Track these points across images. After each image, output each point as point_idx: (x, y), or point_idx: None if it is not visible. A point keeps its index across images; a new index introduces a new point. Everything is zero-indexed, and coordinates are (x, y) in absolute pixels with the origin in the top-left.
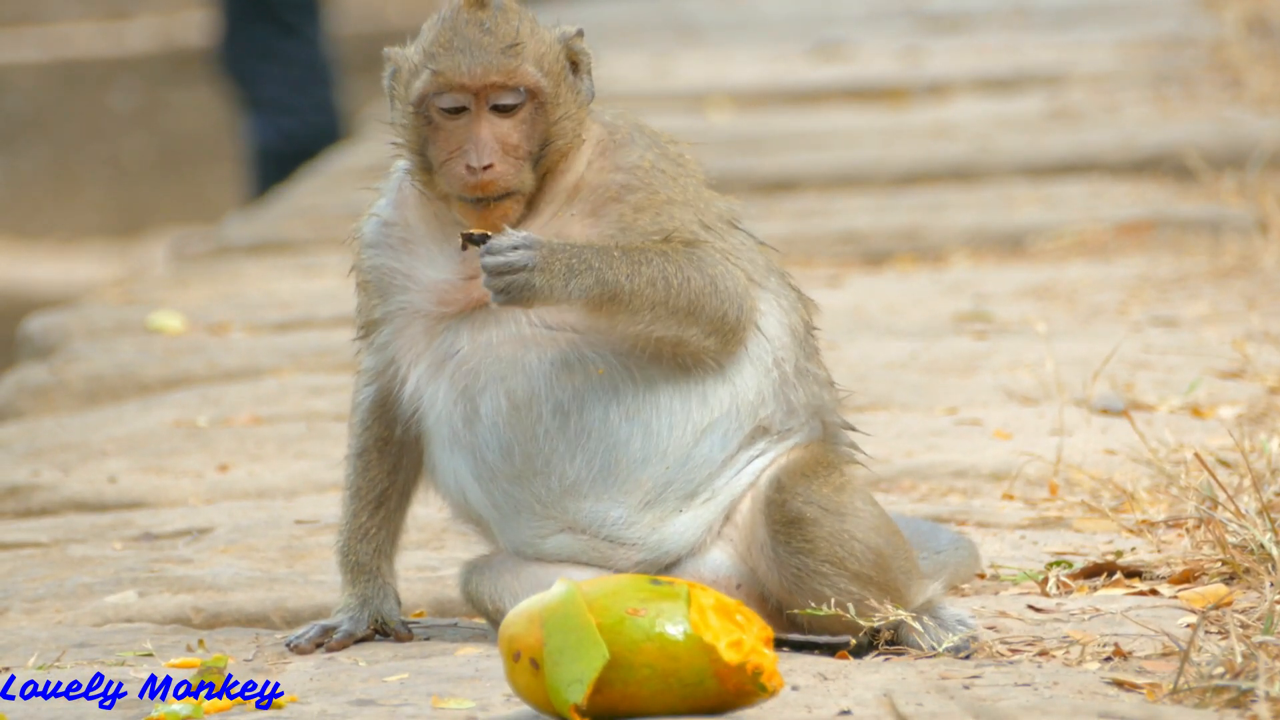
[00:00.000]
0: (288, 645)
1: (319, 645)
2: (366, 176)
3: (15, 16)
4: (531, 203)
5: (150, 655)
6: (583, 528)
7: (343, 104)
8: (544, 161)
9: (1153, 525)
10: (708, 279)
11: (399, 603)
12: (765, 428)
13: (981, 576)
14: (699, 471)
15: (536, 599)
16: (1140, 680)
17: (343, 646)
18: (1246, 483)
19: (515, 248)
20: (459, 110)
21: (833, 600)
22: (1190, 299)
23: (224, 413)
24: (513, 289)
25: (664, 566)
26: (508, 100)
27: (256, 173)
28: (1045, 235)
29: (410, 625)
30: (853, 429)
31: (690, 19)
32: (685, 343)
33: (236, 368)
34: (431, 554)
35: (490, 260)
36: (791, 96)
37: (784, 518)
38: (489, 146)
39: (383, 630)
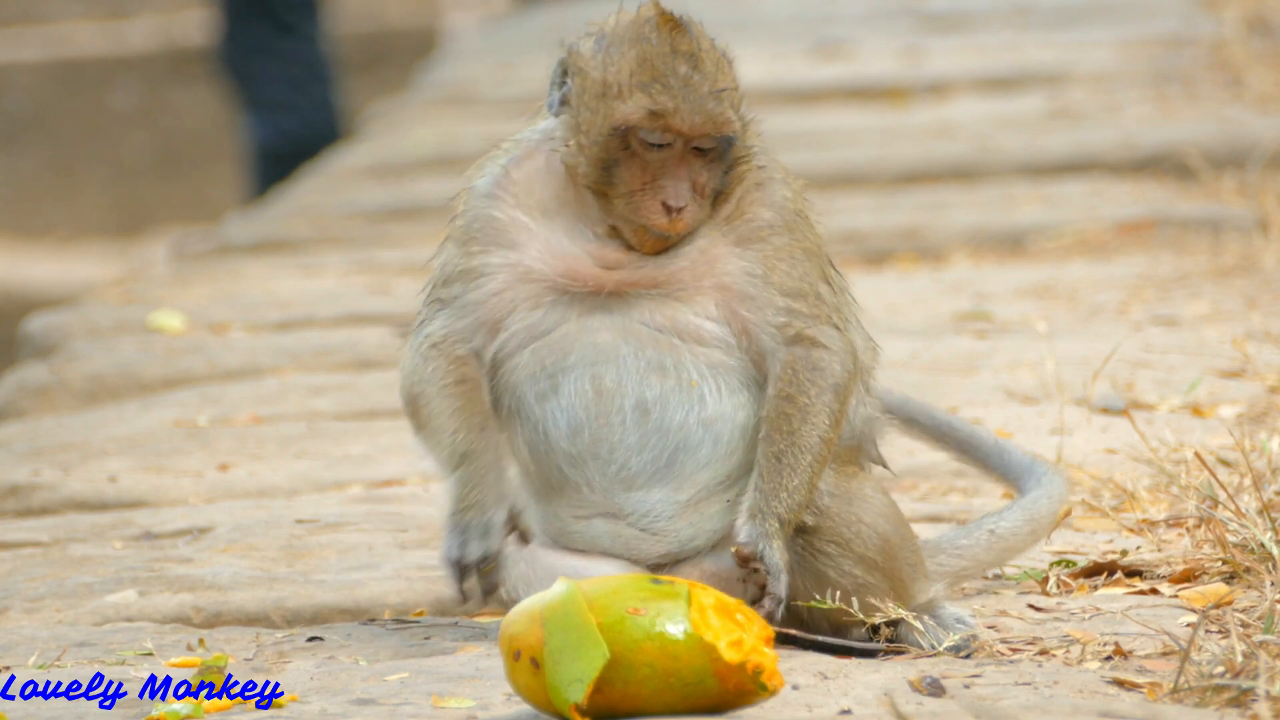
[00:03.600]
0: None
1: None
2: (368, 175)
3: (15, 16)
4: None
5: (150, 655)
6: (622, 515)
7: (342, 103)
8: (719, 198)
9: (1153, 524)
10: (841, 401)
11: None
12: None
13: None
14: (747, 471)
15: (537, 598)
16: (1141, 679)
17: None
18: (1247, 482)
19: (775, 562)
20: (660, 147)
21: (836, 597)
22: (1191, 298)
23: (224, 412)
24: (776, 592)
25: (682, 559)
26: (708, 144)
27: (256, 172)
28: (1046, 234)
29: (411, 623)
30: (884, 465)
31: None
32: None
33: (237, 367)
34: (432, 553)
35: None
36: (792, 96)
37: None
38: (687, 190)
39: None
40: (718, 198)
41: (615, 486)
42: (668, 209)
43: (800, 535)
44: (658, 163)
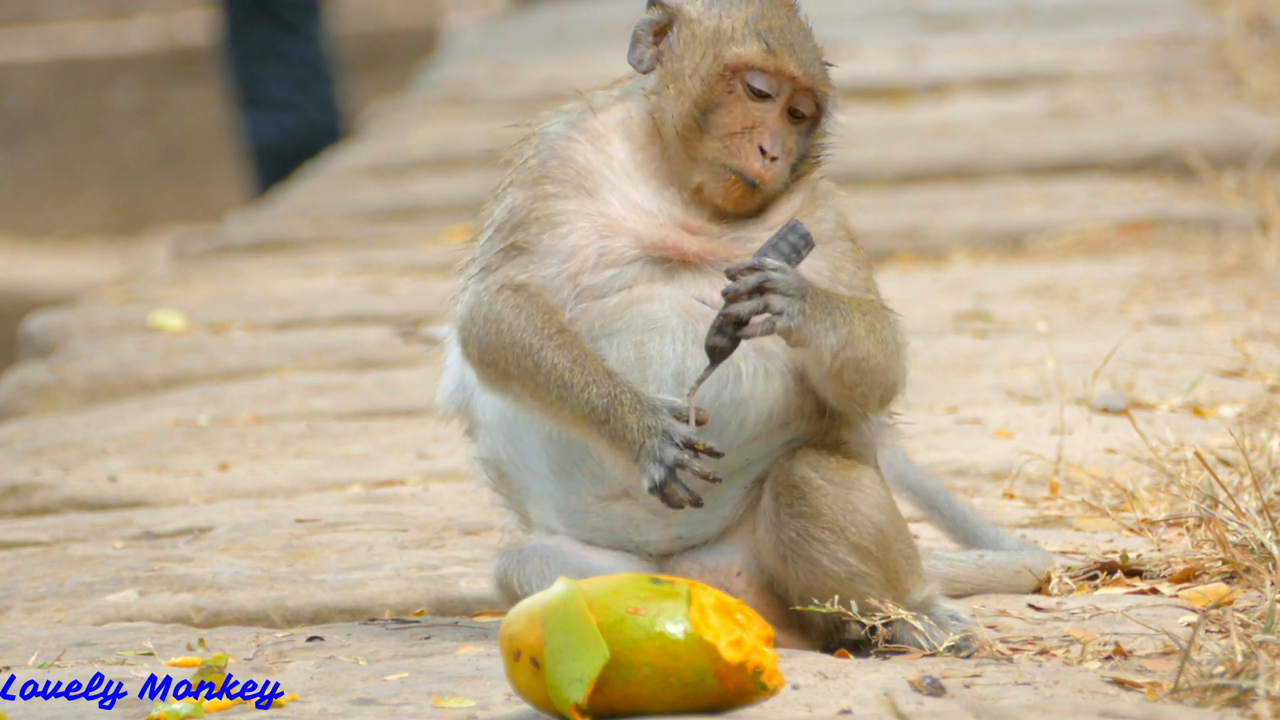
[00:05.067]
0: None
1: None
2: (368, 175)
3: (16, 16)
4: (759, 212)
5: (150, 654)
6: (639, 493)
7: (344, 102)
8: (794, 173)
9: (1153, 524)
10: (899, 345)
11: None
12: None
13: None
14: (766, 462)
15: (536, 598)
16: (1141, 679)
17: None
18: (1247, 481)
19: (799, 284)
20: (764, 96)
21: (832, 592)
22: (1191, 298)
23: (224, 411)
24: (789, 314)
25: (688, 546)
26: (805, 109)
27: (258, 171)
28: (1046, 234)
29: (411, 623)
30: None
31: None
32: (866, 401)
33: (237, 366)
34: (432, 553)
35: (779, 276)
36: None
37: (789, 481)
38: (782, 142)
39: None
40: (795, 173)
41: None
42: (763, 153)
43: (795, 520)
44: (758, 111)
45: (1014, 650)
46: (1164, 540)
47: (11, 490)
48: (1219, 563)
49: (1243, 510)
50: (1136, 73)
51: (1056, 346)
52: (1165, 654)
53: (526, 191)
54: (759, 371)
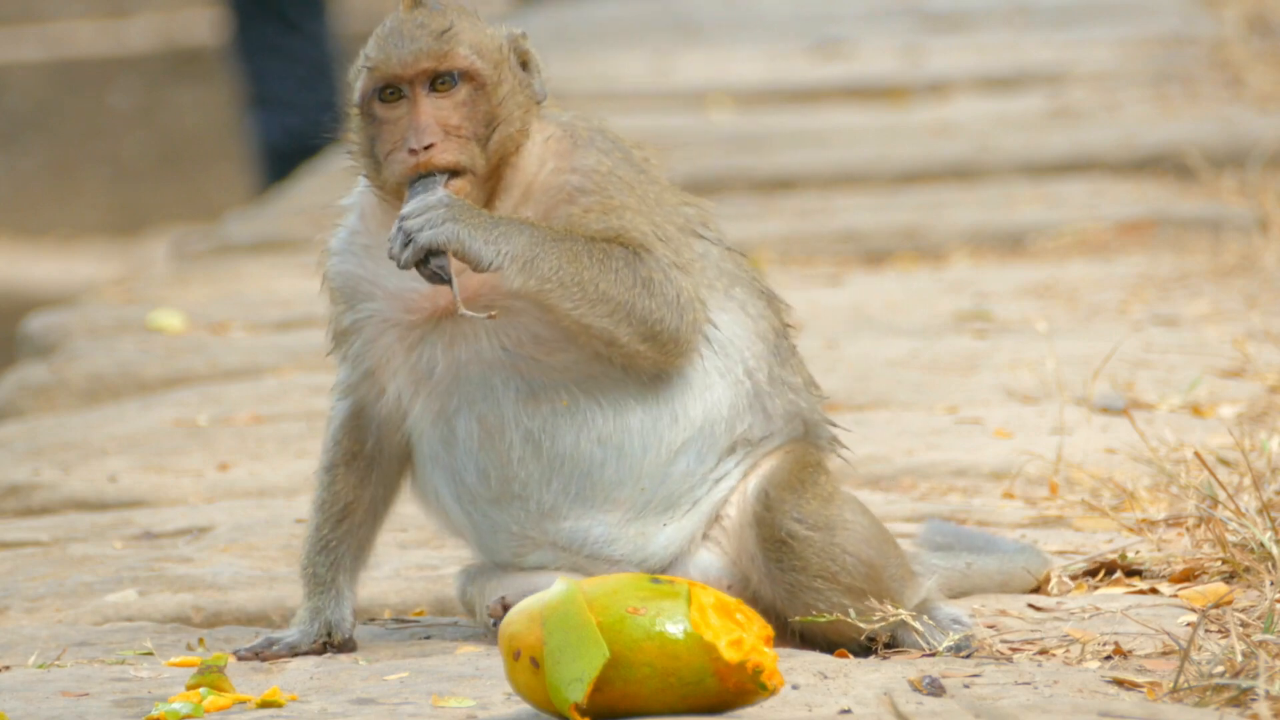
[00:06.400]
0: (234, 654)
1: (257, 655)
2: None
3: (15, 15)
4: (487, 202)
5: (150, 654)
6: (564, 546)
7: None
8: (492, 144)
9: (1153, 524)
10: (640, 280)
11: (354, 615)
12: (746, 438)
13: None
14: (678, 486)
15: (536, 597)
16: (1140, 679)
17: (277, 658)
18: (1247, 481)
19: (438, 197)
20: (397, 100)
21: (831, 626)
22: (1191, 298)
23: (224, 411)
24: (430, 225)
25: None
26: (443, 83)
27: (261, 170)
28: (1046, 234)
29: (411, 623)
30: (834, 425)
31: (690, 17)
32: (618, 343)
33: (237, 366)
34: (432, 552)
35: (409, 207)
36: (792, 95)
37: (774, 536)
38: (429, 128)
39: (330, 641)
40: (493, 143)
41: (543, 521)
42: (412, 151)
43: (787, 574)
44: (401, 120)
45: (1014, 650)
46: (1164, 540)
47: (11, 490)
48: (1219, 562)
49: (1242, 510)
50: (1136, 73)
51: (1056, 346)
52: (1165, 654)
53: (330, 305)
54: (600, 402)
